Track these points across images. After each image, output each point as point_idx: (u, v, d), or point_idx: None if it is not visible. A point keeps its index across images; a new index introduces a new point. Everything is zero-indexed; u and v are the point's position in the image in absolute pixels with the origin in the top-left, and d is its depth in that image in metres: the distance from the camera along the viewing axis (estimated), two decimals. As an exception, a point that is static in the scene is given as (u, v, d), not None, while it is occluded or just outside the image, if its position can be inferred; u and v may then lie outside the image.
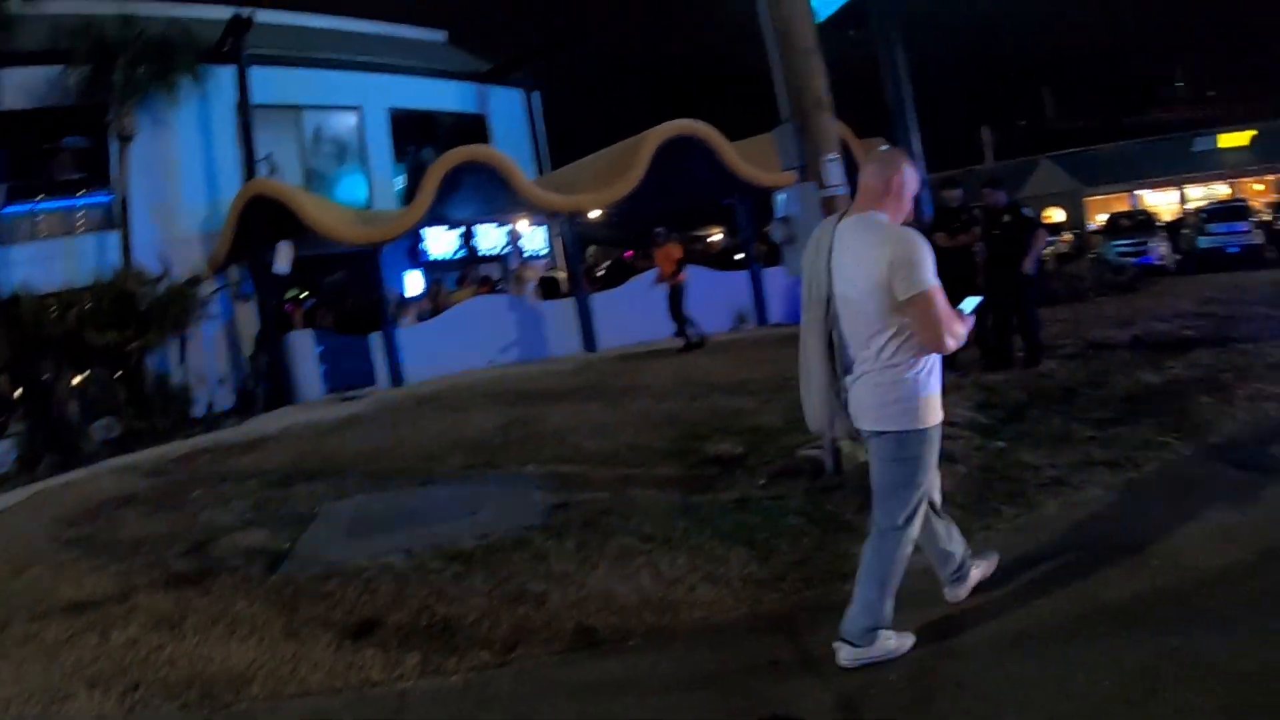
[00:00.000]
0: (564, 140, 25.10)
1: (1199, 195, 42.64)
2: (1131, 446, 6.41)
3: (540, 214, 19.21)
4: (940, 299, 3.48)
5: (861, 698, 3.53)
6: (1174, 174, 44.02)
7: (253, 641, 4.96)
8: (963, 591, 4.20)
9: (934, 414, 3.69)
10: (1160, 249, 23.79)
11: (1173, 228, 28.80)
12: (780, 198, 6.35)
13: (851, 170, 6.58)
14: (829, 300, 3.76)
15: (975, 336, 10.08)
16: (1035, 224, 9.80)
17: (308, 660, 4.64)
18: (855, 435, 3.93)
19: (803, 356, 3.90)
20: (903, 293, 3.47)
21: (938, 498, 4.15)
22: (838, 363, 3.79)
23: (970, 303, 3.76)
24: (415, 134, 22.83)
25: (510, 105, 24.39)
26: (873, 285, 3.53)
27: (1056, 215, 42.56)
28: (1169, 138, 45.71)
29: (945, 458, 6.28)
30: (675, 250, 15.43)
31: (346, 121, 21.72)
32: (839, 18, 19.08)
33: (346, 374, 16.03)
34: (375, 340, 16.23)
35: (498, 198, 17.19)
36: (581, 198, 17.08)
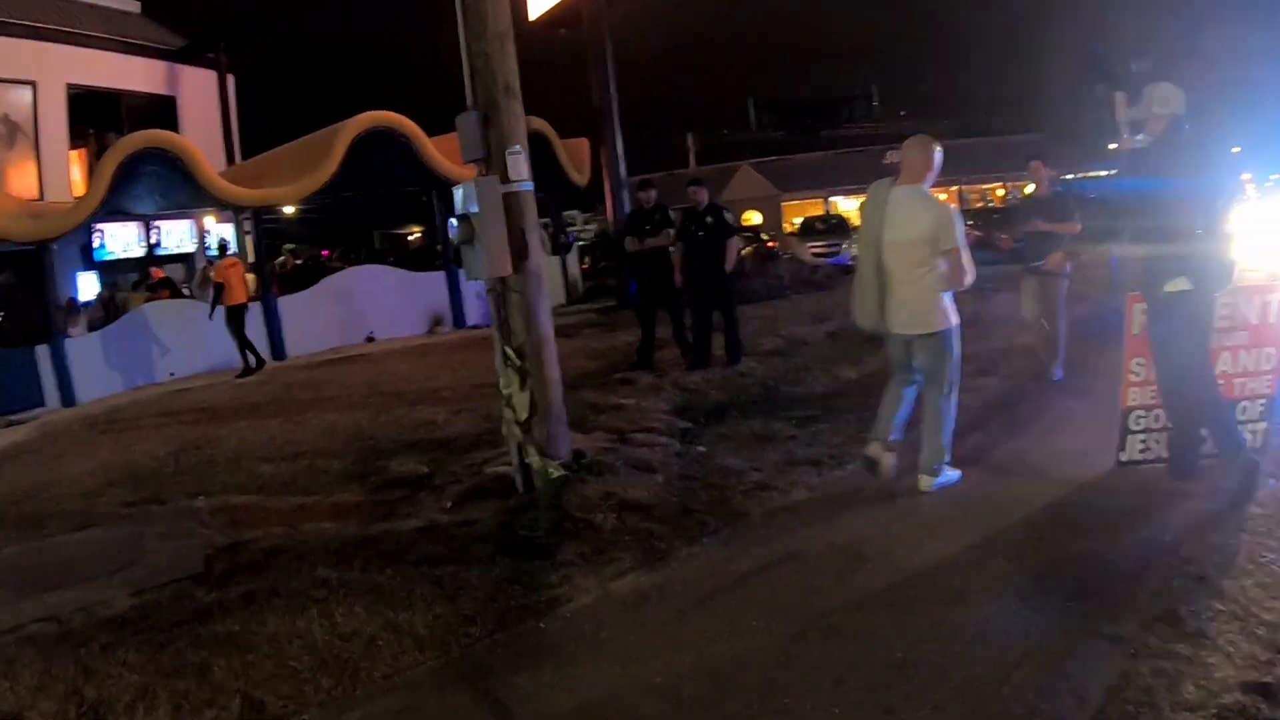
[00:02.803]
0: (260, 128, 23.48)
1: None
2: (834, 444, 6.57)
3: (229, 208, 17.84)
4: (966, 251, 5.12)
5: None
6: (867, 182, 47.70)
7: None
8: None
9: (954, 317, 5.28)
10: (853, 250, 25.28)
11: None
12: (459, 193, 5.91)
13: (545, 166, 6.27)
14: (879, 242, 5.25)
15: (676, 337, 10.10)
16: (733, 229, 9.92)
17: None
18: (887, 331, 5.42)
19: (859, 278, 5.47)
20: (944, 245, 5.09)
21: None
22: (880, 286, 5.30)
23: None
24: (97, 115, 20.34)
25: (202, 88, 22.44)
26: (921, 237, 5.12)
27: (755, 218, 44.86)
28: (862, 150, 49.57)
29: (642, 467, 6.20)
30: (230, 267, 14.81)
31: (18, 97, 18.99)
32: (554, 16, 19.05)
33: (10, 394, 13.88)
34: (43, 353, 14.28)
35: (182, 190, 15.73)
36: (271, 191, 16.07)
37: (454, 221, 5.93)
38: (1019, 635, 3.61)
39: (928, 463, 5.42)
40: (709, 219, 9.76)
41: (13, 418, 13.34)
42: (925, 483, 5.40)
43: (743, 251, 10.82)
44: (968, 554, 4.47)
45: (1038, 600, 3.90)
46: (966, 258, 5.12)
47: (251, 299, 16.46)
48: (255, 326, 15.89)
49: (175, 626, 4.73)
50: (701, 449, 6.70)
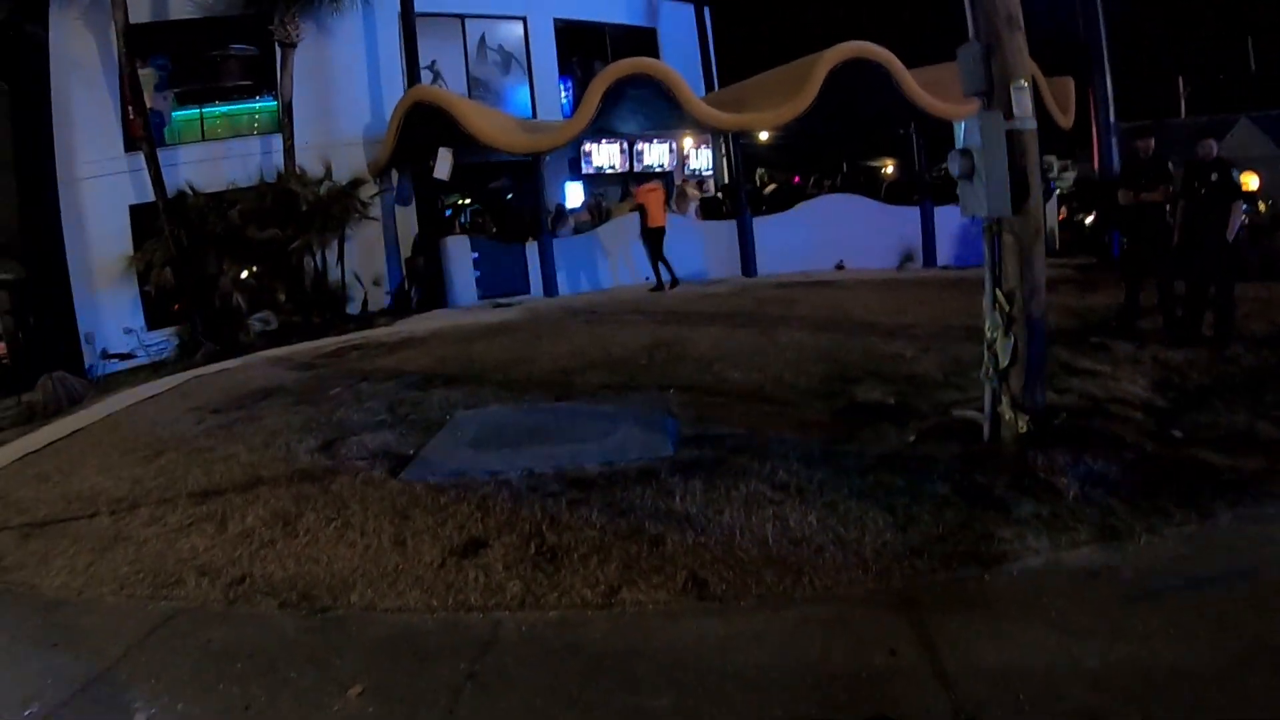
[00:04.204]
0: (736, 57, 24.18)
1: None
2: (1326, 459, 5.60)
3: (707, 132, 18.69)
4: None
5: (981, 713, 3.14)
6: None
7: (361, 547, 4.98)
8: None
9: None
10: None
11: None
12: (961, 128, 5.73)
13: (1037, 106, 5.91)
14: None
15: (1162, 306, 9.18)
16: (1239, 190, 8.72)
17: (410, 574, 4.61)
18: None
19: None
20: None
21: None
22: None
23: None
24: (581, 45, 22.28)
25: (681, 19, 23.55)
26: None
27: (1252, 181, 38.72)
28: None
29: (1112, 440, 5.81)
30: (650, 192, 15.32)
31: (511, 31, 21.22)
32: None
33: (501, 281, 16.17)
34: (531, 249, 16.29)
35: (663, 113, 16.84)
36: (749, 117, 16.45)
37: (954, 155, 5.77)
38: None
39: None
40: (1215, 176, 8.59)
41: (502, 300, 15.52)
42: None
43: (1245, 221, 9.41)
44: None
45: None
46: None
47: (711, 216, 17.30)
48: (729, 243, 16.87)
49: (637, 498, 5.22)
50: (1177, 434, 6.07)
